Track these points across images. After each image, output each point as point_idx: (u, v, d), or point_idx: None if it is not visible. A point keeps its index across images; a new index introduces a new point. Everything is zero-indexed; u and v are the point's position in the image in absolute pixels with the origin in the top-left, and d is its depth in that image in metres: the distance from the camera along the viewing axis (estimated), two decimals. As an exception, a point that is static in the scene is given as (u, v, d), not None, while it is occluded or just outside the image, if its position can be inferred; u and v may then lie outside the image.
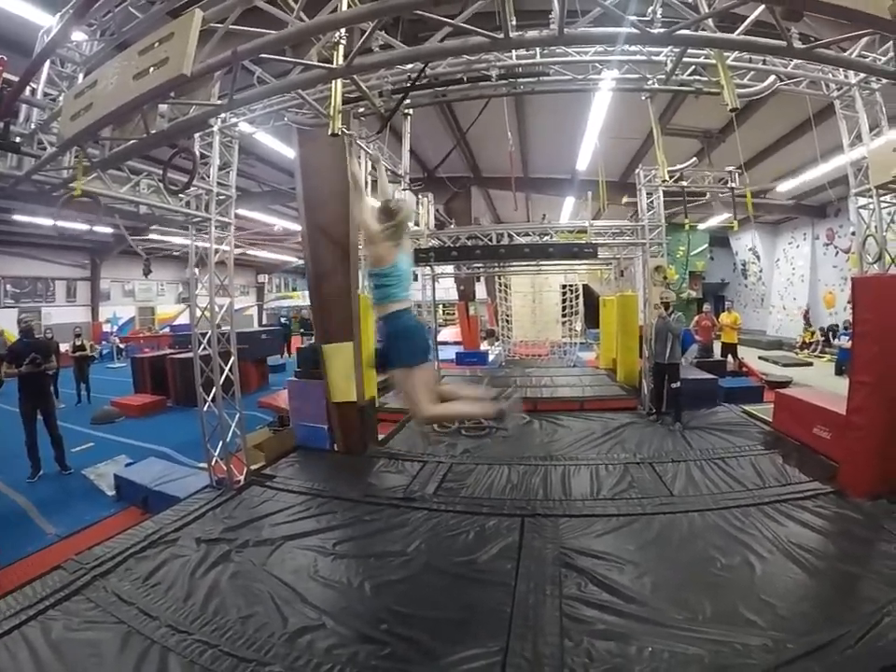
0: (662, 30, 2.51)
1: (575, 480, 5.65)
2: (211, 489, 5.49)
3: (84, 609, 3.43)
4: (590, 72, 4.95)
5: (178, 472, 6.12)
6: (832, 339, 14.95)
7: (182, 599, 3.52)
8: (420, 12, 2.53)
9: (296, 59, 3.46)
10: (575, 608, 3.30)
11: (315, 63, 3.34)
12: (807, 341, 17.18)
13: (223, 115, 5.35)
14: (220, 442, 5.64)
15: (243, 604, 3.45)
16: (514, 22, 2.54)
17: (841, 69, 5.16)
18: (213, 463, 5.63)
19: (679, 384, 7.89)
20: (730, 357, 12.36)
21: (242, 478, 5.73)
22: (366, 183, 6.79)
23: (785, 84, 5.28)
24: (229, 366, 5.75)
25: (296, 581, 3.71)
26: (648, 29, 2.44)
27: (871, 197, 5.34)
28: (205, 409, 5.63)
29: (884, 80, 4.88)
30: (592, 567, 3.78)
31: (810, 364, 14.55)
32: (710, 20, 2.78)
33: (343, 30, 3.67)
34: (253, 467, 6.02)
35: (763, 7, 2.78)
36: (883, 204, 5.30)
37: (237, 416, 5.80)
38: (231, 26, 2.89)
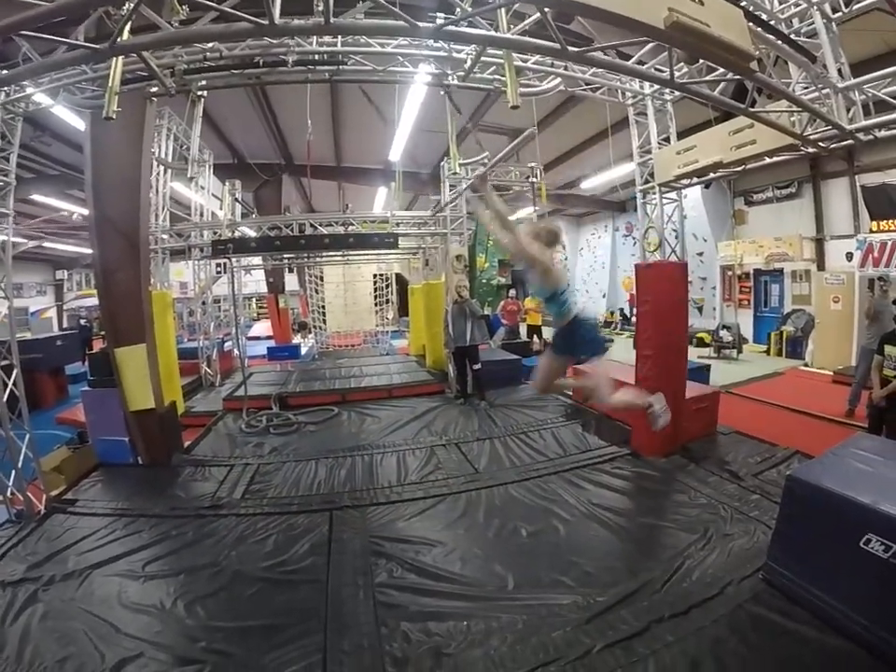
0: (430, 25, 2.55)
1: (382, 468, 5.72)
2: (10, 524, 4.77)
3: None
4: (391, 64, 4.97)
5: (-26, 510, 5.23)
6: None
7: (-5, 653, 3.07)
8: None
9: (59, 37, 3.03)
10: (388, 594, 3.35)
11: (76, 42, 2.91)
12: (608, 319, 19.31)
13: (6, 88, 4.65)
14: (14, 470, 4.93)
15: (57, 646, 3.08)
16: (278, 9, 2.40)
17: (636, 80, 5.77)
18: (9, 494, 4.90)
19: (479, 365, 8.29)
20: (535, 338, 13.24)
21: (42, 507, 5.05)
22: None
23: (583, 90, 5.78)
24: (12, 380, 5.05)
25: (108, 612, 3.39)
26: (416, 23, 2.45)
27: (654, 194, 6.07)
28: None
29: (677, 93, 5.45)
30: (401, 552, 3.88)
31: (611, 340, 16.24)
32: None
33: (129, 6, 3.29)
34: (53, 493, 5.31)
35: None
36: (665, 201, 6.06)
37: (27, 437, 5.08)
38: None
